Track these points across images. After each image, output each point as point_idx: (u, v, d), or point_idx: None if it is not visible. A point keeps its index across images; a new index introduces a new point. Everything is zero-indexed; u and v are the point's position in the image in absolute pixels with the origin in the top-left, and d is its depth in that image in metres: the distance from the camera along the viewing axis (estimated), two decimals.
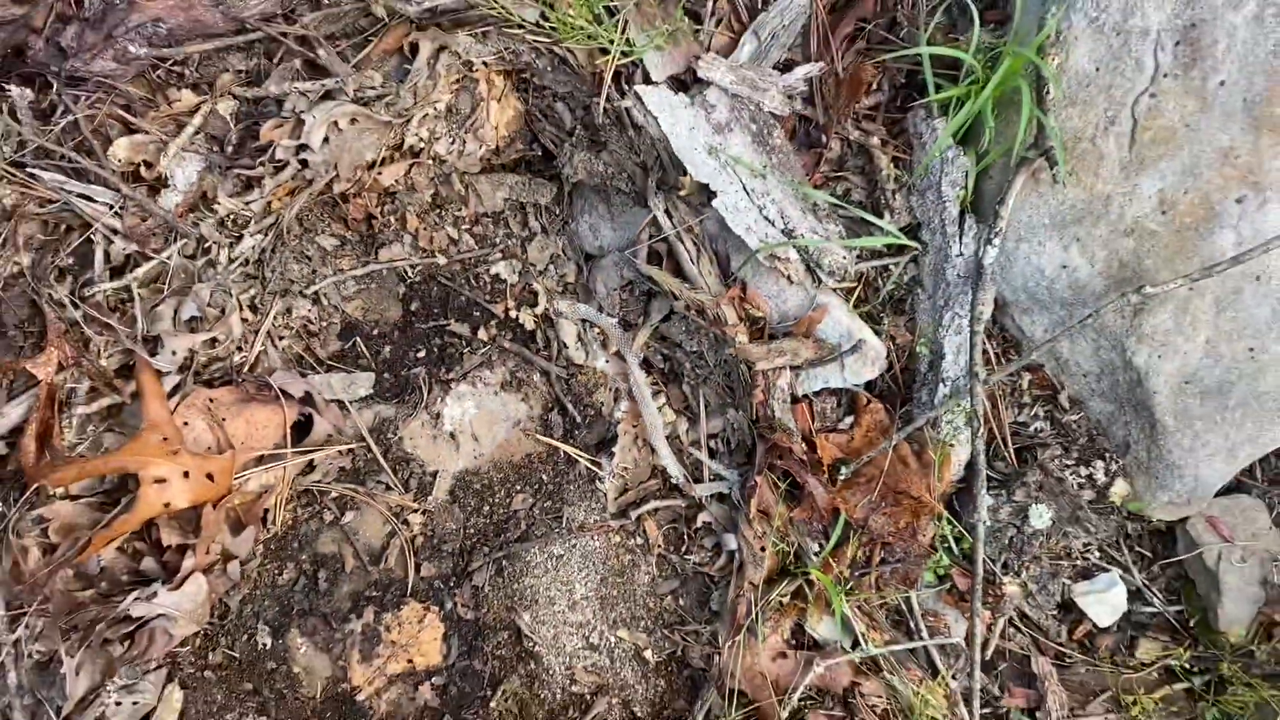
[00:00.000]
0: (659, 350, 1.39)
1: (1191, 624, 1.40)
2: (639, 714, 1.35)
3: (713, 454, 1.40)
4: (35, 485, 1.15)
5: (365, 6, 1.23)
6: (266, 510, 1.23)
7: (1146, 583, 1.41)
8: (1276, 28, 1.18)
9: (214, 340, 1.20)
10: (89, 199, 1.19)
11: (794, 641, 1.37)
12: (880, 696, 1.34)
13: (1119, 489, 1.40)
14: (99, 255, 1.19)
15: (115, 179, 1.19)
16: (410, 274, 1.34)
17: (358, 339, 1.32)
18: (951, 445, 1.34)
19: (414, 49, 1.25)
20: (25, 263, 1.17)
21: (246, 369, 1.22)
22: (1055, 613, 1.41)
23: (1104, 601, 1.40)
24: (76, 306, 1.16)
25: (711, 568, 1.38)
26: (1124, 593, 1.40)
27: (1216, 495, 1.39)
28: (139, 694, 1.16)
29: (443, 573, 1.33)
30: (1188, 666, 1.38)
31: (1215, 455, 1.35)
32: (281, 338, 1.26)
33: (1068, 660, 1.40)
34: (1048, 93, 1.19)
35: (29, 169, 1.18)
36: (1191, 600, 1.41)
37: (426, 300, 1.36)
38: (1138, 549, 1.41)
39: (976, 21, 1.21)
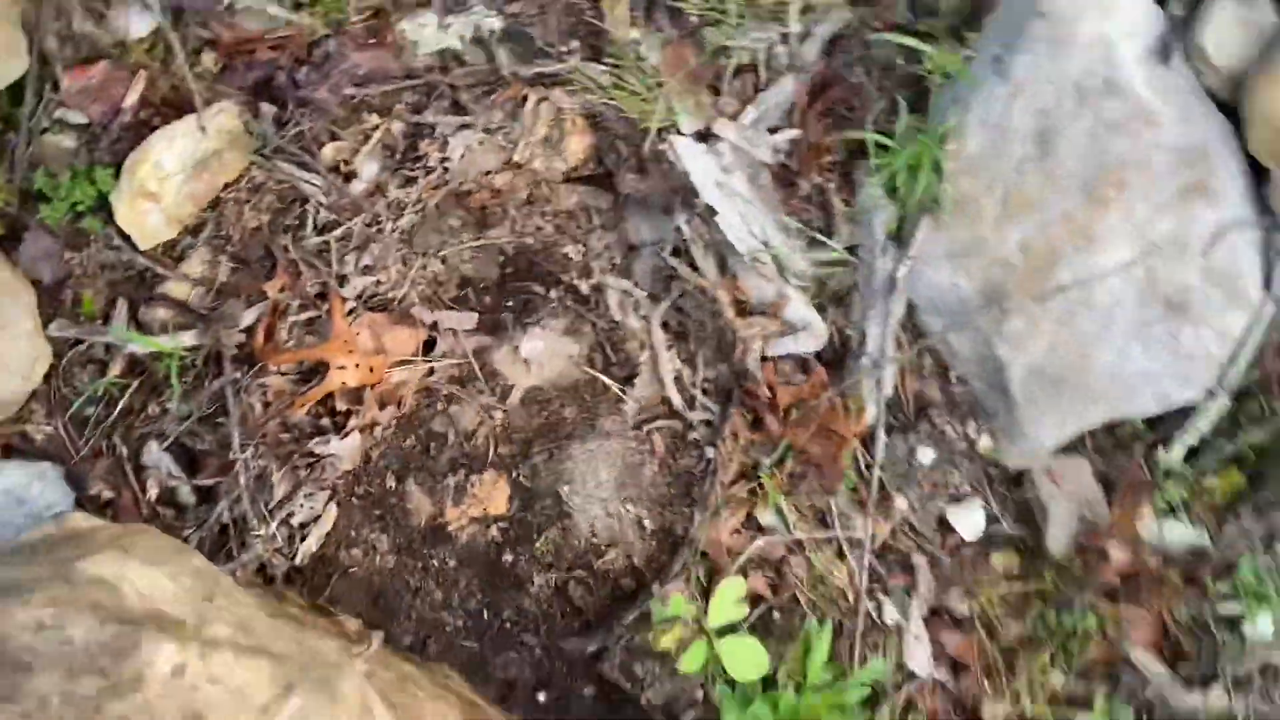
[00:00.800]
0: (674, 317, 1.98)
1: (1031, 545, 1.97)
2: (636, 563, 1.97)
3: (705, 393, 1.98)
4: (261, 363, 1.80)
5: (495, 69, 1.85)
6: (401, 397, 1.87)
7: (1001, 511, 1.98)
8: (1104, 138, 1.74)
9: (379, 282, 1.83)
10: (307, 182, 1.82)
11: (746, 525, 1.97)
12: (802, 568, 1.95)
13: (985, 443, 1.97)
14: (310, 219, 1.83)
15: (324, 170, 1.83)
16: (508, 249, 1.96)
17: (469, 290, 1.94)
18: (867, 401, 1.94)
19: (525, 98, 1.87)
20: (265, 220, 1.82)
21: (397, 302, 1.85)
22: (934, 526, 1.99)
23: (968, 521, 1.98)
24: (294, 251, 1.81)
25: (695, 469, 1.98)
26: (983, 516, 1.97)
27: (1055, 454, 1.96)
28: (313, 502, 1.81)
29: (512, 453, 1.95)
30: (1021, 573, 1.96)
31: (1052, 425, 1.90)
32: (419, 284, 1.89)
33: (939, 560, 1.99)
34: (943, 167, 1.77)
35: (271, 159, 1.82)
36: (1032, 527, 1.98)
37: (517, 268, 1.97)
38: (996, 486, 1.97)
39: (904, 115, 1.79)
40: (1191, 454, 1.88)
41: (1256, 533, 1.85)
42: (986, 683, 1.92)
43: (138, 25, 1.82)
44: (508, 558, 1.95)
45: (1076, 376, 1.85)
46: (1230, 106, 1.73)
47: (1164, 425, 1.90)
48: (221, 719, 1.02)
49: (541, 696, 1.95)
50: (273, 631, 1.21)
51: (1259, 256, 1.79)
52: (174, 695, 1.01)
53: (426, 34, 1.84)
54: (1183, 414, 1.88)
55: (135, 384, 1.83)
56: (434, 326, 1.89)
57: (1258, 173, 1.76)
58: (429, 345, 1.89)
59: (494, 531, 1.94)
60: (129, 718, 0.98)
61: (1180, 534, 1.88)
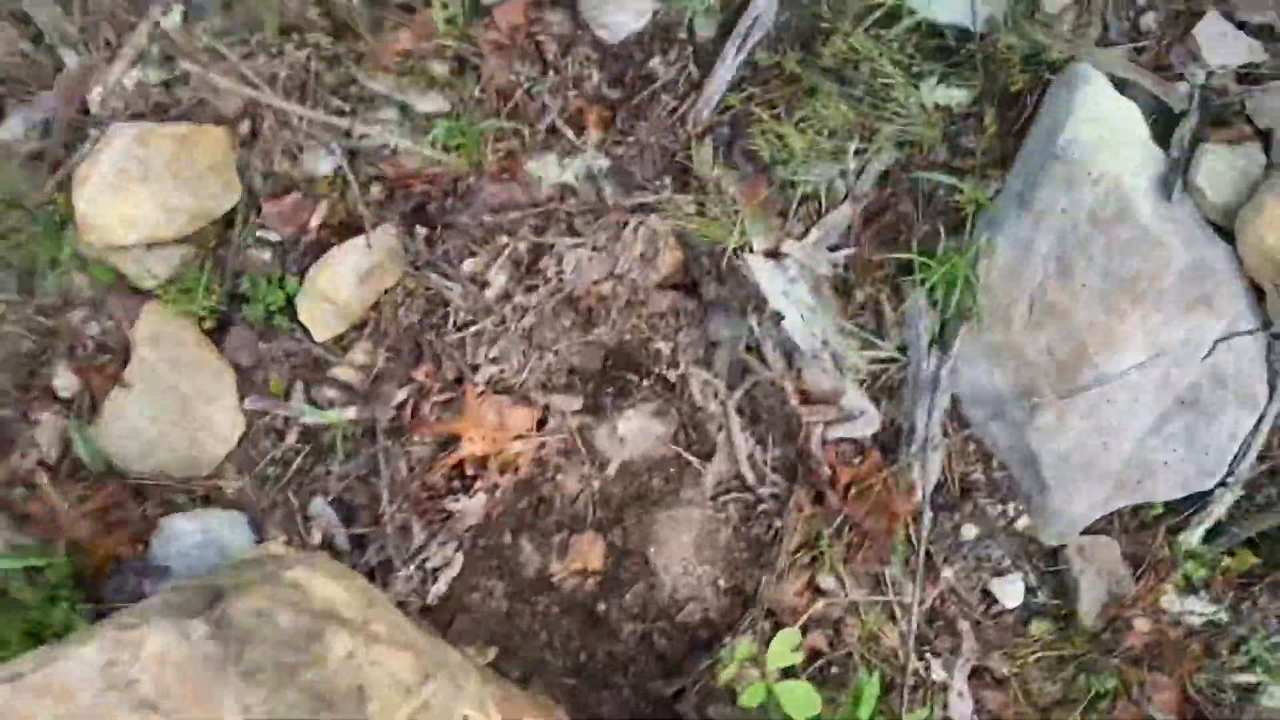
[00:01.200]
0: (748, 404, 2.31)
1: (1065, 614, 2.21)
2: (711, 617, 2.27)
3: (773, 470, 2.29)
4: (407, 435, 2.21)
5: (602, 199, 2.27)
6: (518, 466, 2.25)
7: (1038, 583, 2.22)
8: (1117, 258, 2.02)
9: (503, 370, 2.23)
10: (449, 289, 2.25)
11: (808, 587, 2.26)
12: (857, 627, 2.22)
13: (1023, 521, 2.22)
14: (451, 319, 2.24)
15: (463, 280, 2.26)
16: (609, 344, 2.33)
17: (576, 377, 2.32)
18: (916, 481, 2.23)
19: (626, 223, 2.27)
20: (415, 319, 2.25)
21: (518, 387, 2.24)
22: (977, 594, 2.24)
23: (1008, 591, 2.22)
24: (437, 345, 2.23)
25: (764, 537, 2.29)
26: (1022, 587, 2.21)
27: (1084, 533, 2.20)
28: (444, 551, 2.18)
29: (608, 517, 2.28)
30: (1056, 639, 2.19)
31: (1081, 508, 2.13)
32: (536, 372, 2.28)
33: (981, 625, 2.23)
34: (977, 281, 2.09)
35: (421, 270, 2.26)
36: (1065, 598, 2.21)
37: (616, 360, 2.33)
38: (1034, 561, 2.22)
39: (943, 238, 2.12)
40: (1209, 535, 2.11)
41: (1270, 610, 2.05)
42: None
43: (323, 165, 2.30)
44: (601, 607, 2.28)
45: (1102, 465, 2.10)
46: (1228, 232, 2.01)
47: (1184, 509, 2.14)
48: (378, 693, 1.38)
49: None
50: (415, 636, 1.57)
51: (1263, 362, 2.04)
52: (346, 672, 1.37)
53: (548, 171, 2.27)
54: (1201, 498, 2.11)
55: (307, 449, 2.25)
56: (546, 408, 2.26)
57: (1257, 290, 2.02)
58: (542, 423, 2.27)
59: (591, 584, 2.28)
60: (316, 684, 1.35)
61: (1199, 608, 2.10)
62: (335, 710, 1.34)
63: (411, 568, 2.16)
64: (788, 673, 2.10)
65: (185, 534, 2.13)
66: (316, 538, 2.19)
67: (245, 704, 1.30)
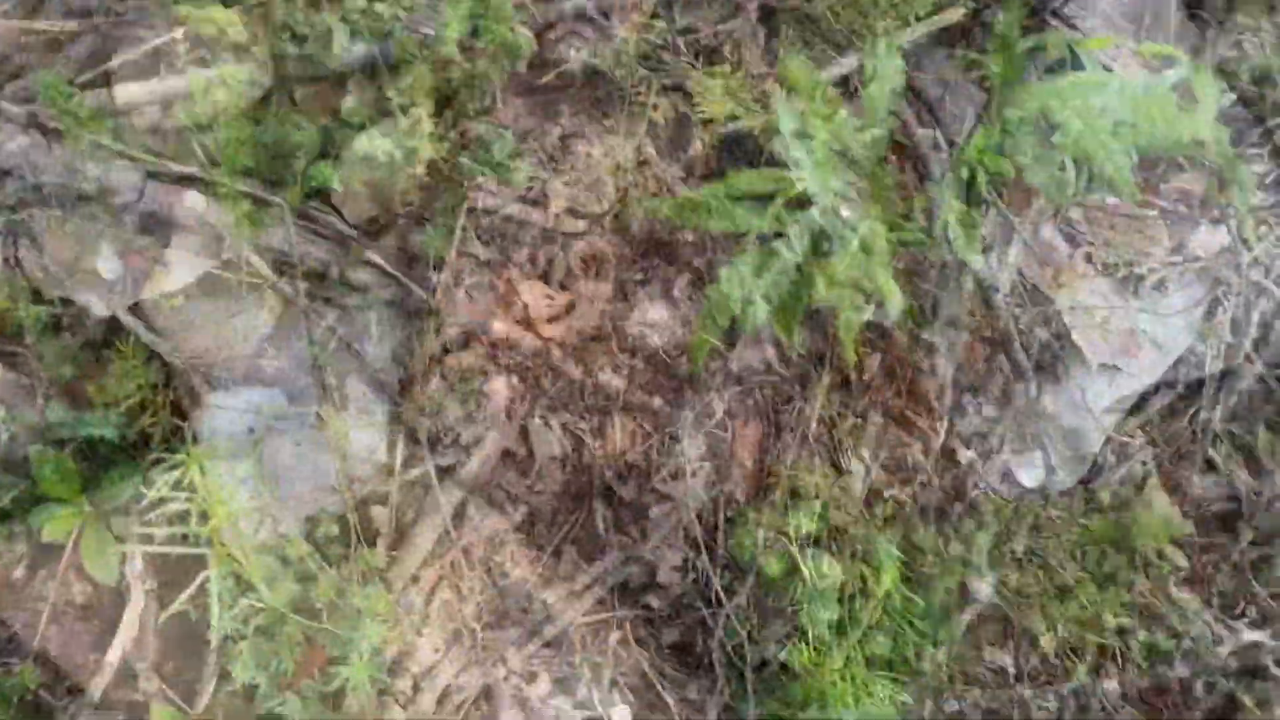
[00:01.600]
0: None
1: (1085, 493, 2.24)
2: (737, 495, 2.34)
3: (799, 355, 2.36)
4: (441, 315, 2.27)
5: (633, 82, 2.29)
6: (549, 349, 2.29)
7: (1059, 464, 2.26)
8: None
9: (534, 254, 2.28)
10: (481, 174, 2.30)
11: (832, 467, 2.32)
12: (879, 506, 2.27)
13: (1045, 401, 2.25)
14: (481, 202, 2.30)
15: (494, 164, 2.30)
16: (637, 233, 2.37)
17: (607, 265, 2.35)
18: (941, 363, 2.26)
19: (656, 107, 2.29)
20: (448, 203, 2.30)
21: (549, 272, 2.30)
22: (999, 474, 2.29)
23: (1029, 472, 2.27)
24: (470, 227, 2.29)
25: (790, 420, 2.34)
26: (1043, 468, 2.26)
27: (1109, 413, 2.23)
28: (476, 429, 2.24)
29: (637, 400, 2.32)
30: (1076, 519, 2.23)
31: (1106, 389, 2.19)
32: (567, 258, 2.33)
33: (1002, 504, 2.28)
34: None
35: (453, 156, 2.31)
36: (1086, 478, 2.25)
37: (646, 248, 2.34)
38: (1056, 441, 2.25)
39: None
40: (1231, 416, 2.13)
41: None
42: (1042, 611, 2.20)
43: (356, 50, 2.33)
44: (631, 487, 2.34)
45: (1127, 347, 2.13)
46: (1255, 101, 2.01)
47: (1208, 391, 2.16)
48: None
49: (654, 601, 2.34)
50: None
51: None
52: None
53: (579, 56, 2.30)
54: (1224, 379, 2.13)
55: (342, 330, 2.32)
56: (576, 293, 2.31)
57: None
58: (571, 308, 2.32)
59: (621, 465, 2.34)
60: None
61: (1219, 485, 2.13)
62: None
63: (446, 442, 2.22)
64: (810, 545, 2.16)
65: (227, 408, 2.20)
66: (352, 413, 2.25)
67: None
